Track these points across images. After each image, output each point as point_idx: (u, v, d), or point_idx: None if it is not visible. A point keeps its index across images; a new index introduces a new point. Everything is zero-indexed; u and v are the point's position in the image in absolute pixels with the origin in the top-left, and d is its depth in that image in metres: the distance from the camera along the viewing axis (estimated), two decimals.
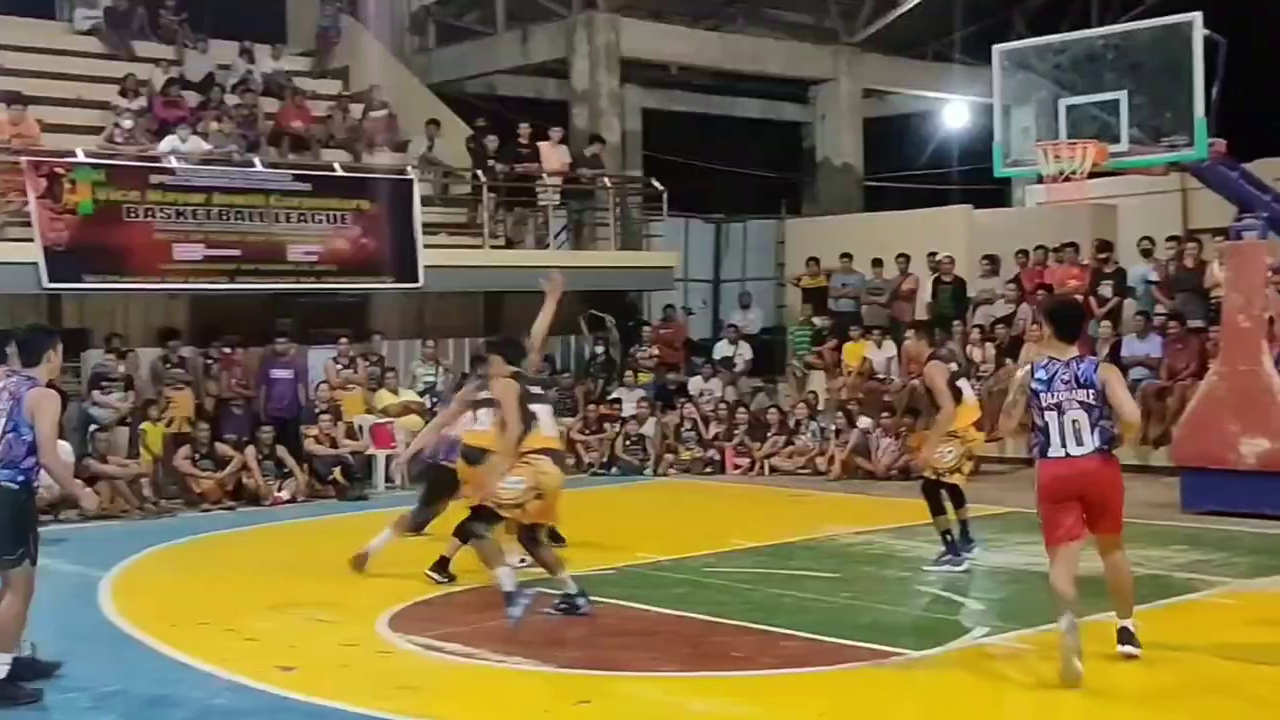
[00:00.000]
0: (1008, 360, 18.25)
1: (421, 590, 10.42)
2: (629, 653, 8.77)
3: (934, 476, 11.32)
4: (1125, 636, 8.22)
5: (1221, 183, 14.14)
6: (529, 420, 9.14)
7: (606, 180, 21.73)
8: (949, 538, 11.34)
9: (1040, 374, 8.09)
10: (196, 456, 16.05)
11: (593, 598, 10.12)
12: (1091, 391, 8.00)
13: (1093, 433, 7.98)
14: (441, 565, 10.68)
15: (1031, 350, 17.79)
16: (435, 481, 11.41)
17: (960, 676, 8.30)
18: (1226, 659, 8.37)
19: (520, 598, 8.96)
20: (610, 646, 8.93)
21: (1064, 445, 7.99)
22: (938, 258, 20.43)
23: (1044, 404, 8.02)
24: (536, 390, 9.42)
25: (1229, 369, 13.95)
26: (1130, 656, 8.20)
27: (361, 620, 9.49)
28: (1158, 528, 12.89)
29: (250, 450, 16.22)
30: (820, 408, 19.23)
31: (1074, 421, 7.98)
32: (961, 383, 11.57)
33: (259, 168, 18.07)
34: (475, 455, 10.04)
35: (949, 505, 11.45)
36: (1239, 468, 13.65)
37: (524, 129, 21.11)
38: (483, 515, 9.14)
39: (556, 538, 12.18)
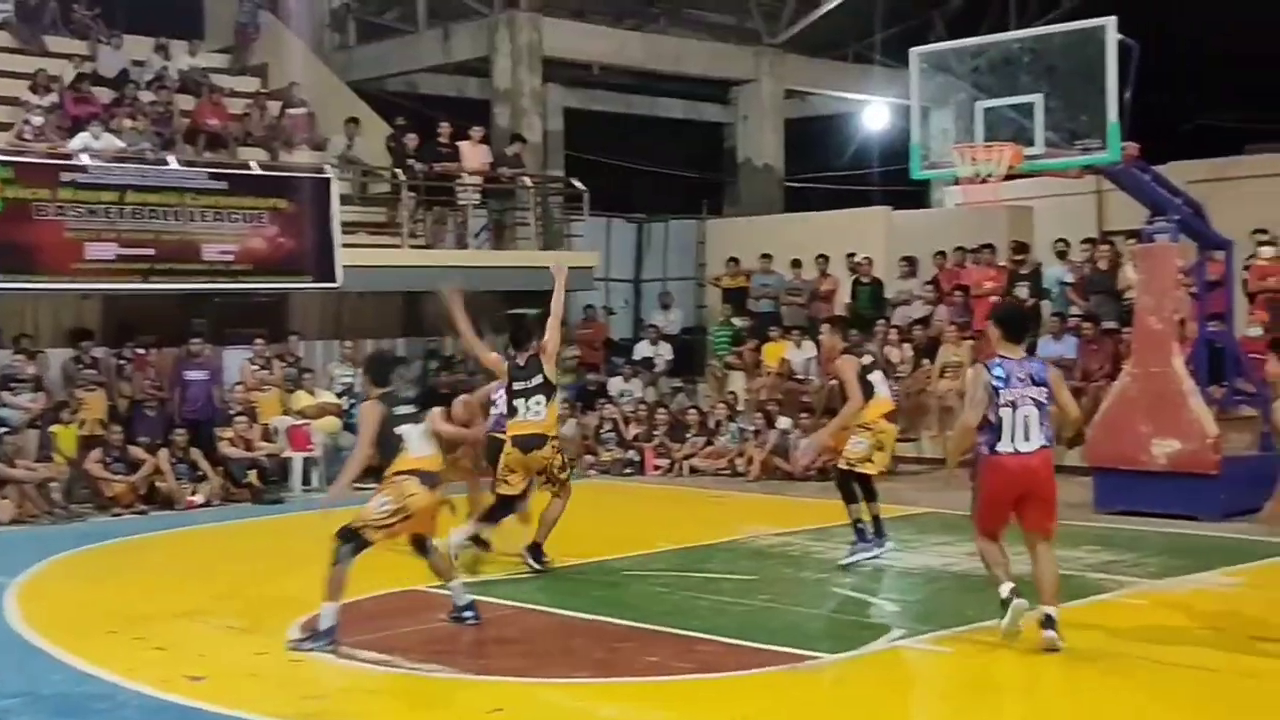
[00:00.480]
0: (925, 361, 18.40)
1: None
2: (543, 658, 8.73)
3: (845, 466, 11.47)
4: (1049, 623, 8.45)
5: (1135, 186, 14.31)
6: (397, 441, 8.96)
7: (527, 180, 21.65)
8: (860, 526, 11.49)
9: (997, 371, 8.50)
10: (108, 459, 15.77)
11: (509, 602, 10.12)
12: (1045, 390, 8.53)
13: (1040, 429, 8.48)
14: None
15: (949, 351, 17.99)
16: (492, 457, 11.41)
17: (876, 679, 8.34)
18: (1139, 658, 8.46)
19: (321, 639, 8.71)
20: (524, 652, 8.88)
21: (1013, 441, 8.43)
22: (856, 259, 20.55)
23: (1001, 400, 8.44)
24: (406, 411, 9.22)
25: (1141, 370, 14.11)
26: (1052, 644, 8.35)
27: (273, 628, 9.34)
28: (1071, 528, 12.87)
29: (163, 453, 15.98)
30: (740, 408, 19.27)
31: (1025, 417, 8.43)
32: (875, 375, 11.67)
33: (174, 166, 17.80)
34: (527, 443, 10.85)
35: (861, 499, 11.62)
36: (1150, 468, 13.82)
37: (444, 128, 20.99)
38: (349, 536, 8.91)
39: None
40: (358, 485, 9.39)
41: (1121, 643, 8.81)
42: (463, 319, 11.40)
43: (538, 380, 10.97)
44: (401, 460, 8.98)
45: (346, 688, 8.22)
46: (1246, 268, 17.04)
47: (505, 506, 11.32)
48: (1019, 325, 9.01)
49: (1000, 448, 8.46)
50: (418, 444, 9.06)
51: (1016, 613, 8.42)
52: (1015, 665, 8.49)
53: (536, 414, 10.95)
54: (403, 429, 9.03)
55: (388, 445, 8.99)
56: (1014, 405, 8.44)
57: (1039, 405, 8.49)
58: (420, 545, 9.25)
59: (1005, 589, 8.54)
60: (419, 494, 8.93)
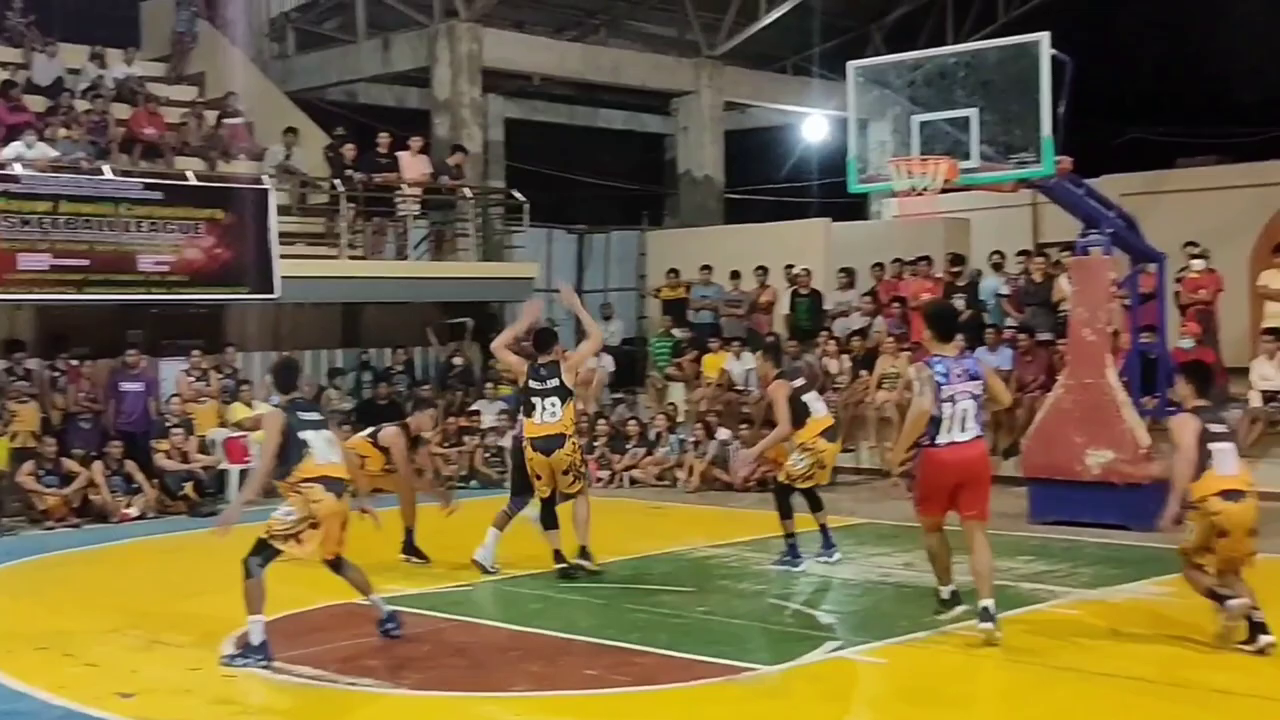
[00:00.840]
0: (862, 372, 18.50)
1: (269, 610, 10.15)
2: (480, 672, 8.70)
3: (786, 482, 11.79)
4: (986, 615, 8.92)
5: (1068, 199, 14.46)
6: (301, 448, 8.85)
7: (467, 191, 21.60)
8: (792, 541, 11.83)
9: (939, 368, 9.06)
10: (41, 472, 15.57)
11: (446, 615, 10.11)
12: (980, 383, 9.17)
13: (975, 420, 9.10)
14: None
15: (887, 362, 18.09)
16: (518, 470, 11.81)
17: (812, 690, 8.38)
18: (1072, 668, 8.54)
19: (253, 655, 8.65)
20: (461, 666, 8.85)
21: (950, 432, 9.00)
22: (794, 271, 20.64)
23: (942, 395, 8.98)
24: (313, 417, 9.13)
25: (1075, 382, 14.25)
26: (990, 635, 8.81)
27: (207, 643, 9.24)
28: (1007, 538, 13.06)
29: (98, 465, 15.80)
30: (680, 419, 19.29)
31: (964, 410, 9.02)
32: (811, 396, 12.00)
33: (109, 175, 17.62)
34: (548, 444, 11.21)
35: (808, 510, 11.96)
36: (1084, 479, 13.95)
37: (383, 138, 20.92)
38: (258, 548, 8.82)
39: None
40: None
41: (1055, 652, 8.90)
42: (526, 323, 12.08)
43: (554, 383, 11.35)
44: (305, 467, 8.84)
45: (280, 704, 8.17)
46: (1178, 280, 17.24)
47: (549, 507, 11.66)
48: (948, 323, 9.55)
49: (939, 439, 9.00)
50: (323, 451, 8.94)
51: (957, 616, 9.30)
52: (950, 676, 8.57)
53: (553, 415, 11.30)
54: (307, 435, 8.91)
55: (291, 452, 8.87)
56: (953, 400, 8.99)
57: (974, 398, 9.09)
58: (335, 565, 9.14)
59: (946, 591, 9.45)
60: (324, 500, 8.80)
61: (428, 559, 12.23)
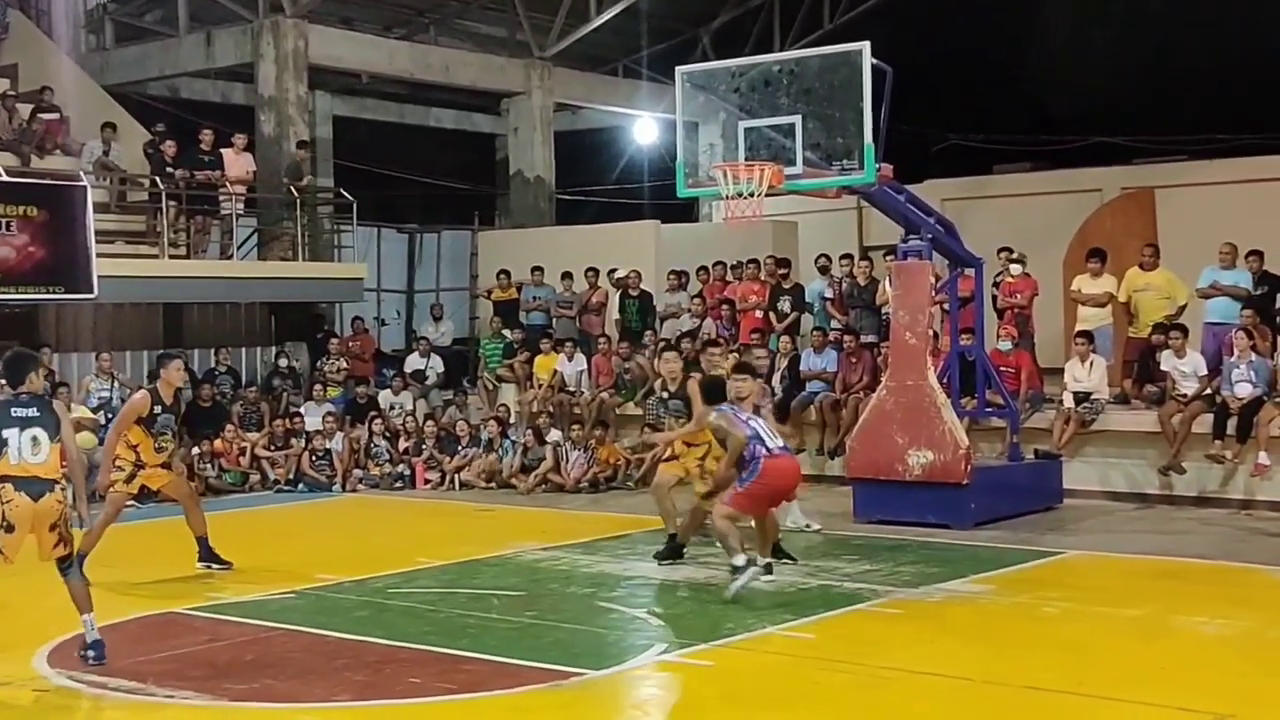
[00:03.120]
0: (693, 374, 18.58)
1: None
2: (303, 682, 8.54)
3: None
4: (770, 568, 10.83)
5: (889, 206, 14.73)
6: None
7: (294, 189, 21.24)
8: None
9: (728, 410, 10.96)
10: None
11: (269, 623, 9.92)
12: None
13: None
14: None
15: (715, 364, 18.23)
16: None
17: (638, 694, 8.43)
18: (893, 668, 8.69)
19: None
20: (284, 676, 8.68)
21: (770, 444, 10.62)
22: (617, 274, 20.67)
23: (743, 419, 10.85)
24: (27, 414, 8.67)
25: (897, 383, 14.52)
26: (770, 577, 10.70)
27: (17, 656, 8.94)
28: (832, 537, 13.42)
29: None
30: (512, 421, 19.23)
31: (762, 425, 10.73)
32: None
33: None
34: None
35: None
36: (906, 478, 14.23)
37: (206, 135, 20.50)
38: None
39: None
40: None
41: (877, 652, 9.06)
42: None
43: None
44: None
45: (94, 718, 7.93)
46: (996, 284, 17.71)
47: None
48: (717, 392, 11.33)
49: (770, 448, 10.58)
50: (25, 449, 8.55)
51: (751, 577, 10.40)
52: (774, 678, 8.68)
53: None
54: (9, 433, 8.55)
55: None
56: (747, 423, 10.74)
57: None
58: (64, 568, 8.77)
59: (742, 559, 10.42)
60: (15, 500, 8.48)
61: (229, 564, 12.01)
